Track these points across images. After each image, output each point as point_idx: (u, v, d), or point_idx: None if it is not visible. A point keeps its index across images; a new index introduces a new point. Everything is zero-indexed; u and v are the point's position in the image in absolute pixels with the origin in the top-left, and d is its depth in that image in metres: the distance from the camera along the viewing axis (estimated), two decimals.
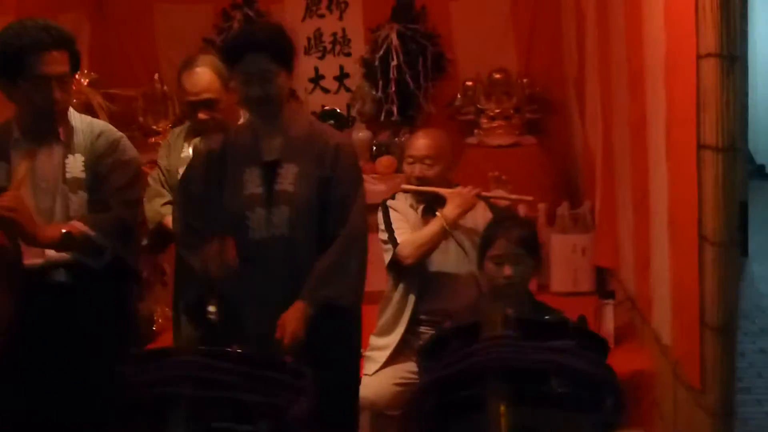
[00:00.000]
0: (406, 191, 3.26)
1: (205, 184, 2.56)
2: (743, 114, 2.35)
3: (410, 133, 4.85)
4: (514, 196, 3.15)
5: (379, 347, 3.20)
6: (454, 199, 3.11)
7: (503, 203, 3.13)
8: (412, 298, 3.16)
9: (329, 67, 5.24)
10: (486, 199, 3.17)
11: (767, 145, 11.60)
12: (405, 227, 3.21)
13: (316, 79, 5.25)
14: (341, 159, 2.60)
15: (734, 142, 2.34)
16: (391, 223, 3.21)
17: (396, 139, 4.84)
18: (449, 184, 3.22)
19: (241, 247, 2.52)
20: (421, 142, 3.24)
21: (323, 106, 5.19)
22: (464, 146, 4.86)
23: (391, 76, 4.85)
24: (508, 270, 2.57)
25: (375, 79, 4.90)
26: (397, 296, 3.21)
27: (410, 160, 3.25)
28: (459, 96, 4.95)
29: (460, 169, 4.62)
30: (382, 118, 4.92)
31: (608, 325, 3.55)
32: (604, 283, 4.23)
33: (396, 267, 3.15)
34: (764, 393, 4.46)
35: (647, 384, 3.28)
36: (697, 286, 2.52)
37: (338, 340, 2.58)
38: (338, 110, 5.17)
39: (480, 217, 3.21)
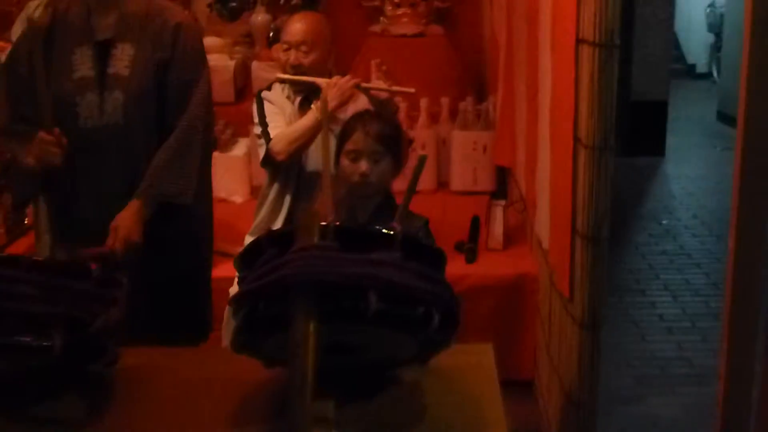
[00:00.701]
0: (280, 81, 3.07)
1: (29, 66, 2.31)
2: (623, 8, 2.15)
3: None
4: (395, 88, 2.97)
5: None
6: (330, 90, 2.93)
7: (383, 95, 2.94)
8: (287, 198, 3.02)
9: None
10: (365, 91, 2.99)
11: (699, 45, 11.54)
12: (280, 121, 3.04)
13: None
14: (182, 40, 2.39)
15: (611, 37, 2.17)
16: (265, 116, 3.05)
17: None
18: (328, 74, 3.03)
19: (71, 137, 2.32)
20: (296, 27, 3.03)
21: None
22: (368, 35, 4.63)
23: None
24: (363, 166, 2.39)
25: None
26: (272, 195, 3.08)
27: (285, 46, 3.06)
28: None
29: (361, 60, 4.48)
30: (282, 1, 4.62)
31: (497, 227, 3.47)
32: (503, 184, 4.14)
33: (271, 163, 2.99)
34: (659, 295, 4.46)
35: (530, 289, 3.22)
36: (570, 191, 2.40)
37: (182, 240, 2.43)
38: None
39: (360, 108, 3.03)
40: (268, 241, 1.58)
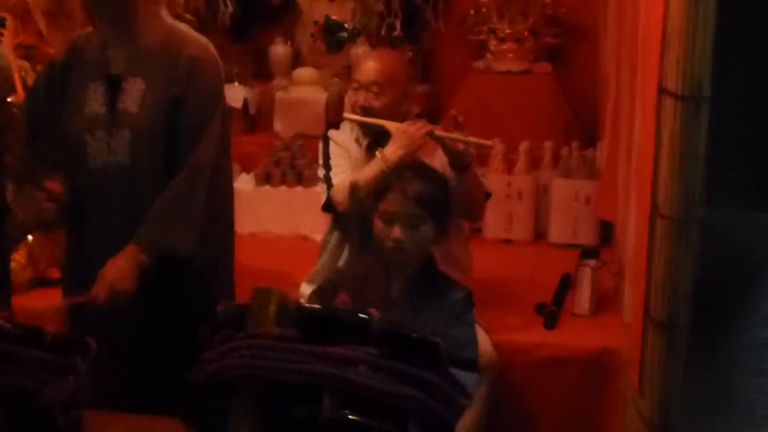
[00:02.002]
0: (347, 120, 2.85)
1: (47, 101, 2.18)
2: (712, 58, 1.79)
3: (414, 52, 4.43)
4: (471, 139, 2.67)
5: (305, 296, 2.83)
6: (399, 137, 2.69)
7: (459, 146, 2.66)
8: (347, 248, 2.82)
9: None
10: (439, 140, 2.71)
11: None
12: (345, 165, 2.84)
13: None
14: (197, 76, 2.22)
15: (699, 88, 1.81)
16: (329, 159, 2.86)
17: None
18: (401, 119, 2.78)
19: (79, 177, 2.20)
20: (369, 66, 2.81)
21: (328, 16, 4.73)
22: (471, 71, 4.38)
23: None
24: (397, 231, 2.10)
25: None
26: (332, 241, 2.90)
27: (355, 85, 2.85)
28: (472, 12, 4.41)
29: (461, 97, 4.24)
30: (383, 32, 4.42)
31: (584, 290, 3.12)
32: (608, 239, 3.77)
33: (332, 210, 2.78)
34: None
35: (617, 368, 2.82)
36: (644, 268, 2.04)
37: (188, 292, 2.25)
38: (345, 24, 4.71)
39: (437, 160, 2.79)
40: (225, 315, 1.34)
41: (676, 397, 1.97)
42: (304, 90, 4.41)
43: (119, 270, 2.12)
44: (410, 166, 2.37)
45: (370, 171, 2.64)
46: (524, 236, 3.93)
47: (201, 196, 2.21)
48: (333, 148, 2.85)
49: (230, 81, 4.55)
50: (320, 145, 2.89)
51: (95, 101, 2.22)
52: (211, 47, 2.32)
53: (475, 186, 2.76)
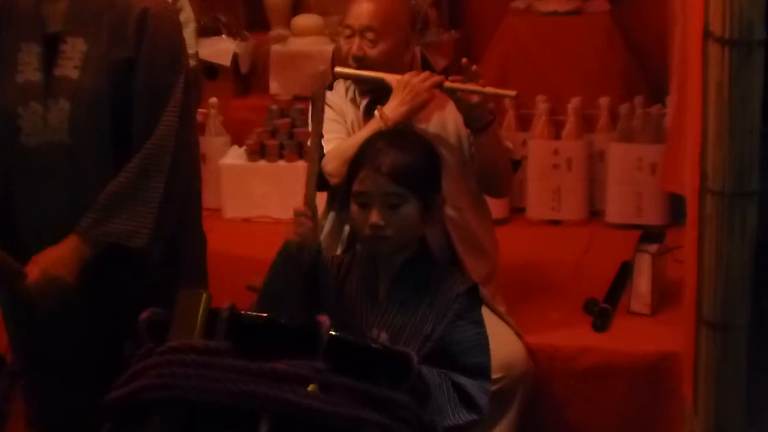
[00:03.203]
0: (339, 76, 2.85)
1: None
2: None
3: None
4: (489, 89, 2.66)
5: None
6: (401, 90, 2.70)
7: (474, 99, 2.66)
8: (346, 229, 2.82)
9: None
10: (450, 92, 2.71)
11: None
12: (339, 130, 2.86)
13: None
14: (150, 33, 2.22)
15: (750, 30, 1.78)
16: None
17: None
18: (405, 72, 2.78)
19: (11, 157, 2.22)
20: (362, 7, 2.82)
21: None
22: (508, 12, 4.35)
23: None
24: (374, 216, 2.10)
25: None
26: (328, 225, 2.91)
27: (347, 32, 2.85)
28: None
29: (496, 45, 4.22)
30: None
31: (643, 284, 3.11)
32: (679, 218, 3.73)
33: (326, 187, 2.79)
34: None
35: (675, 377, 2.81)
36: (695, 256, 2.02)
37: (144, 295, 2.20)
38: None
39: (450, 118, 2.80)
40: (148, 325, 1.36)
41: (735, 413, 1.95)
42: (306, 42, 4.41)
43: (57, 257, 2.15)
44: (382, 135, 2.37)
45: (366, 133, 2.63)
46: (575, 215, 3.90)
47: (160, 180, 2.21)
48: (325, 111, 2.85)
49: (217, 33, 4.58)
50: (310, 109, 2.89)
51: (29, 66, 2.22)
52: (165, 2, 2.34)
53: (499, 151, 2.76)
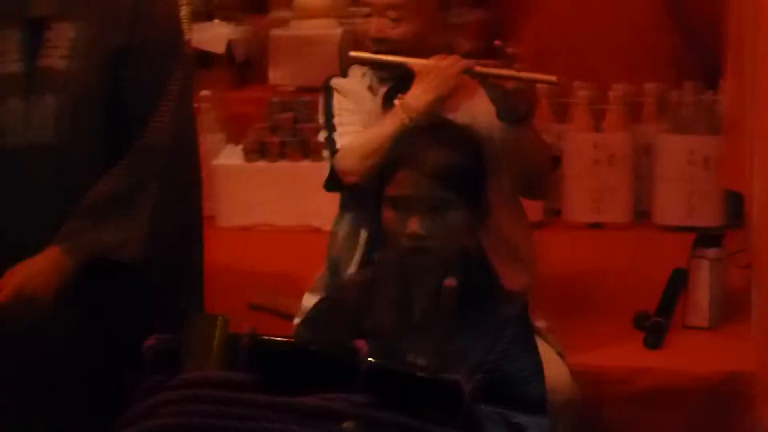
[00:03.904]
0: (355, 60, 2.83)
1: None
2: None
3: None
4: (525, 74, 2.63)
5: None
6: (425, 76, 2.67)
7: (510, 85, 2.62)
8: (363, 235, 2.80)
9: None
10: (482, 78, 2.67)
11: None
12: (354, 123, 2.83)
13: None
14: (147, 17, 2.22)
15: None
16: (332, 116, 2.83)
17: None
18: (431, 55, 2.75)
19: None
20: None
21: None
22: None
23: None
24: (414, 224, 2.05)
25: None
26: (342, 231, 2.88)
27: (366, 10, 2.84)
28: None
29: (529, 25, 4.29)
30: None
31: (701, 294, 3.07)
32: (738, 219, 3.73)
33: (338, 186, 2.77)
34: None
35: (741, 397, 2.78)
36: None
37: (133, 315, 2.23)
38: None
39: (481, 107, 2.76)
40: (154, 354, 1.33)
41: None
42: (311, 25, 4.41)
43: (35, 271, 2.12)
44: (424, 129, 2.33)
45: (387, 127, 2.61)
46: (619, 217, 3.91)
47: (153, 183, 2.21)
48: (338, 101, 2.83)
49: (209, 17, 4.57)
50: (320, 100, 2.88)
51: (8, 56, 2.21)
52: None
53: (536, 146, 2.73)
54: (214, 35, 4.49)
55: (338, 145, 2.74)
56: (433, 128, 2.31)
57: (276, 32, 4.46)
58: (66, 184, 2.22)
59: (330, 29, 4.40)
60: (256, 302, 3.44)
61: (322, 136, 2.85)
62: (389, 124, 2.62)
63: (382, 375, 1.25)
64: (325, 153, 2.80)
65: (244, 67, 4.66)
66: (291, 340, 1.33)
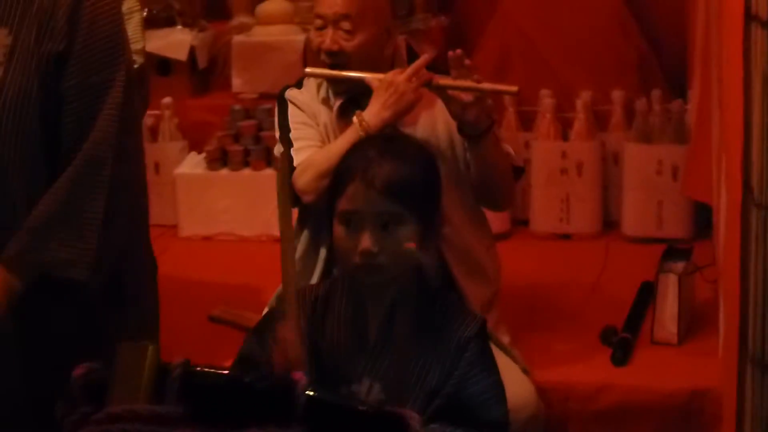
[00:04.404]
0: (311, 76, 2.80)
1: None
2: None
3: None
4: (486, 86, 2.59)
5: None
6: (383, 91, 2.63)
7: (467, 97, 2.57)
8: (322, 253, 2.77)
9: None
10: (441, 92, 2.62)
11: None
12: (311, 137, 2.80)
13: None
14: (85, 22, 2.16)
15: None
16: (288, 129, 2.81)
17: None
18: (387, 68, 2.71)
19: None
20: None
21: None
22: None
23: None
24: (365, 240, 2.00)
25: None
26: (301, 246, 2.85)
27: (319, 22, 2.78)
28: None
29: (492, 31, 4.26)
30: None
31: (668, 308, 3.04)
32: (705, 230, 3.71)
33: (294, 203, 2.72)
34: None
35: (707, 416, 2.74)
36: (737, 277, 1.94)
37: (81, 334, 2.20)
38: None
39: (441, 119, 2.74)
40: (83, 384, 1.26)
41: None
42: (274, 31, 4.36)
43: None
44: (373, 142, 2.28)
45: (344, 144, 2.54)
46: (587, 228, 3.89)
47: (100, 196, 2.16)
48: (294, 113, 2.80)
49: (171, 23, 4.51)
50: (276, 112, 2.85)
51: None
52: None
53: (498, 158, 2.69)
54: (175, 41, 4.42)
55: (296, 162, 2.71)
56: (384, 141, 2.26)
57: (238, 38, 4.39)
58: (5, 194, 2.17)
59: (292, 35, 4.34)
60: (215, 314, 3.39)
61: (277, 151, 2.82)
62: (346, 143, 2.56)
63: (321, 408, 1.19)
64: (281, 167, 2.77)
65: (206, 73, 4.60)
66: (225, 372, 1.26)
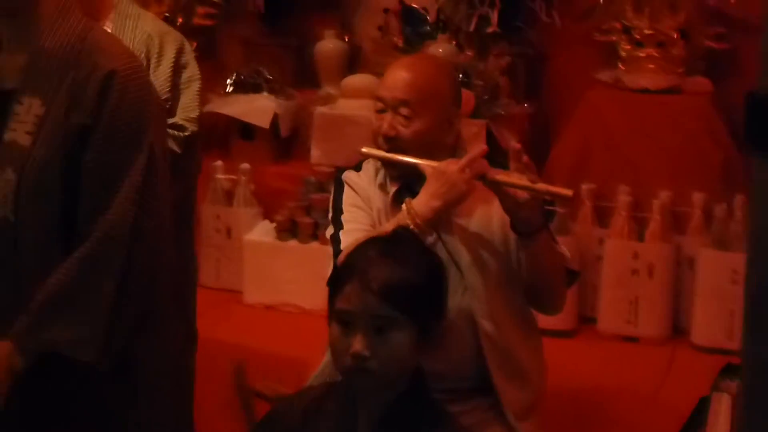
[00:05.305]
0: (367, 156, 2.76)
1: None
2: None
3: (515, 56, 4.35)
4: (541, 186, 2.51)
5: None
6: (435, 180, 2.58)
7: (522, 195, 2.50)
8: None
9: None
10: (494, 186, 2.56)
11: None
12: (362, 221, 2.75)
13: None
14: (113, 99, 2.15)
15: None
16: (341, 211, 2.76)
17: (481, 63, 4.25)
18: (447, 156, 2.65)
19: None
20: (396, 77, 2.72)
21: (401, 1, 4.71)
22: (592, 85, 4.25)
23: None
24: (357, 342, 1.95)
25: None
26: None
27: (379, 105, 2.74)
28: (601, 1, 4.25)
29: (576, 122, 4.20)
30: (473, 27, 4.33)
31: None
32: None
33: None
34: None
35: None
36: None
37: (86, 414, 2.17)
38: (423, 11, 4.65)
39: (497, 214, 2.66)
40: None
41: None
42: (356, 105, 4.30)
43: None
44: (377, 241, 2.22)
45: (390, 230, 2.50)
46: (655, 332, 3.76)
47: (111, 278, 2.14)
48: (349, 196, 2.76)
49: (257, 89, 4.53)
50: (331, 192, 2.82)
51: None
52: (136, 60, 2.29)
53: (551, 259, 2.61)
54: (259, 108, 4.42)
55: (342, 245, 2.65)
56: (387, 242, 2.20)
57: (321, 110, 4.35)
58: (20, 264, 2.16)
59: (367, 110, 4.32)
60: (261, 390, 3.36)
61: (328, 233, 2.76)
62: (392, 228, 2.53)
63: None
64: (330, 250, 2.71)
65: (290, 141, 4.60)
66: None
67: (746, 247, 1.41)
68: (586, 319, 3.85)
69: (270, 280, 4.08)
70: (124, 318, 2.16)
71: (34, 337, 2.11)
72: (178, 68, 3.00)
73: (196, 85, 3.03)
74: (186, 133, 2.95)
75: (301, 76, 4.80)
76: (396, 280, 1.98)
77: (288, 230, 4.08)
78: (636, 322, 3.75)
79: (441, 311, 2.08)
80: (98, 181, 2.15)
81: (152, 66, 2.95)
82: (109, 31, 2.86)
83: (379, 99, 2.73)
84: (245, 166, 4.27)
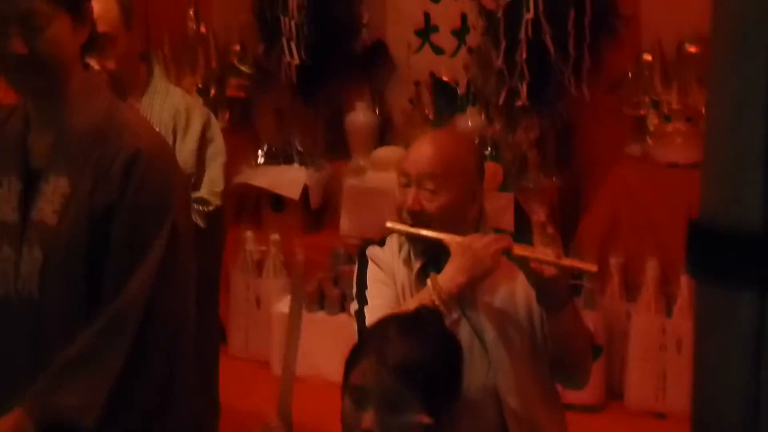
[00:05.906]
0: (391, 231, 2.75)
1: None
2: None
3: (544, 128, 4.35)
4: (566, 262, 2.50)
5: None
6: (460, 256, 2.55)
7: (549, 271, 2.50)
8: None
9: (446, 14, 4.82)
10: (520, 262, 2.55)
11: None
12: (386, 297, 2.71)
13: (426, 31, 4.87)
14: (137, 178, 2.16)
15: None
16: (365, 286, 2.74)
17: (510, 136, 4.26)
18: (470, 230, 2.65)
19: None
20: (421, 152, 2.71)
21: (432, 74, 4.80)
22: (621, 160, 4.26)
23: (522, 35, 4.24)
24: (368, 420, 1.93)
25: (498, 38, 4.33)
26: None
27: (403, 180, 2.73)
28: (630, 75, 4.27)
29: (605, 196, 4.20)
30: (502, 100, 4.34)
31: None
32: None
33: None
34: None
35: None
36: None
37: None
38: (454, 83, 4.73)
39: (521, 290, 2.64)
40: None
41: None
42: (385, 177, 4.32)
43: None
44: (396, 319, 2.21)
45: (414, 305, 2.49)
46: (683, 408, 3.56)
47: (119, 353, 2.14)
48: (373, 272, 2.73)
49: (288, 161, 4.58)
50: (355, 268, 2.79)
51: (7, 204, 2.20)
52: (161, 140, 2.32)
53: (576, 334, 2.58)
54: (290, 179, 4.47)
55: (367, 322, 2.64)
56: (407, 319, 2.19)
57: (351, 182, 4.40)
58: (45, 336, 2.18)
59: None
60: None
61: (353, 308, 2.75)
62: (416, 305, 2.53)
63: None
64: (354, 327, 2.72)
65: (320, 212, 4.63)
66: None
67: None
68: (613, 394, 3.82)
69: (298, 352, 4.08)
70: (136, 390, 2.16)
71: (41, 401, 2.12)
72: (204, 142, 3.04)
73: (221, 159, 3.06)
74: (210, 208, 2.98)
75: (333, 145, 4.82)
76: (412, 360, 1.97)
77: (316, 302, 4.10)
78: (664, 398, 3.72)
79: (456, 394, 2.06)
80: (120, 259, 2.16)
81: (178, 139, 2.99)
82: (139, 107, 2.92)
83: (403, 173, 2.73)
84: (275, 237, 4.29)
